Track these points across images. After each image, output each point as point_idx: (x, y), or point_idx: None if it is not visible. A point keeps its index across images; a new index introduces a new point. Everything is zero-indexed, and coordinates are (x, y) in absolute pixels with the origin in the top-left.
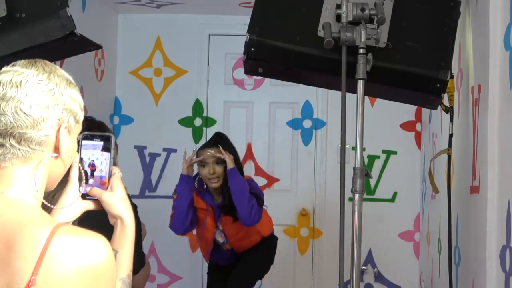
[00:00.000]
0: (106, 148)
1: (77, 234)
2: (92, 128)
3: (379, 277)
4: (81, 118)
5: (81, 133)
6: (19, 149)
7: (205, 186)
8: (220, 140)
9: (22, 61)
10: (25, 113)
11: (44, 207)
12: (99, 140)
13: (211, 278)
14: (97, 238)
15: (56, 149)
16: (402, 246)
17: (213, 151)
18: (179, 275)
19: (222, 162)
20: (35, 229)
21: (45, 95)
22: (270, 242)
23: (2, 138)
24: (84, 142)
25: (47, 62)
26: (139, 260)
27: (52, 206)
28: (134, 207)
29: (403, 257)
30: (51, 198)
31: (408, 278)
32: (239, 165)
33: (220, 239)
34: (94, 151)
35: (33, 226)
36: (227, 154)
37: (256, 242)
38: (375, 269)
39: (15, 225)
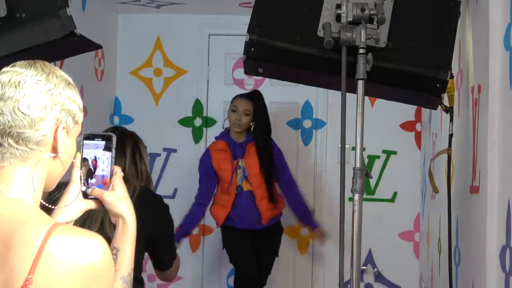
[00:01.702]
0: (107, 148)
1: (74, 233)
2: (125, 137)
3: (379, 277)
4: (80, 119)
5: (80, 134)
6: (17, 149)
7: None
8: (255, 97)
9: (22, 61)
10: (23, 112)
11: (43, 207)
12: (100, 139)
13: (233, 242)
14: (94, 238)
15: (54, 149)
16: (402, 246)
17: (245, 102)
18: (179, 275)
19: (250, 114)
20: (33, 228)
21: (43, 95)
22: (281, 227)
23: (0, 138)
24: (85, 142)
25: (46, 63)
26: (172, 254)
27: (50, 206)
28: (166, 207)
29: (403, 257)
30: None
31: (408, 278)
32: (268, 128)
33: (239, 175)
34: (96, 151)
35: (30, 225)
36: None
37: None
38: (375, 269)
39: (13, 224)
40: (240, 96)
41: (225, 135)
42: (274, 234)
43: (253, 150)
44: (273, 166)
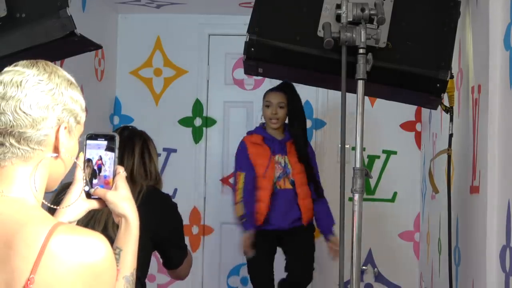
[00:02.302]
0: (110, 148)
1: (76, 233)
2: (134, 136)
3: (379, 277)
4: (82, 119)
5: (86, 133)
6: (18, 148)
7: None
8: (286, 88)
9: (24, 61)
10: (24, 112)
11: (48, 207)
12: (103, 139)
13: (255, 258)
14: (96, 237)
15: (56, 149)
16: (402, 246)
17: (278, 94)
18: None
19: (285, 106)
20: (34, 228)
21: (45, 95)
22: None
23: (2, 137)
24: (88, 142)
25: (49, 62)
26: (182, 252)
27: (51, 206)
28: (174, 206)
29: (403, 257)
30: None
31: (408, 278)
32: (303, 121)
33: (277, 172)
34: (98, 151)
35: (32, 225)
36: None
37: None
38: (375, 269)
39: (15, 224)
40: (271, 90)
41: (261, 129)
42: (305, 229)
43: (294, 148)
44: (310, 164)
